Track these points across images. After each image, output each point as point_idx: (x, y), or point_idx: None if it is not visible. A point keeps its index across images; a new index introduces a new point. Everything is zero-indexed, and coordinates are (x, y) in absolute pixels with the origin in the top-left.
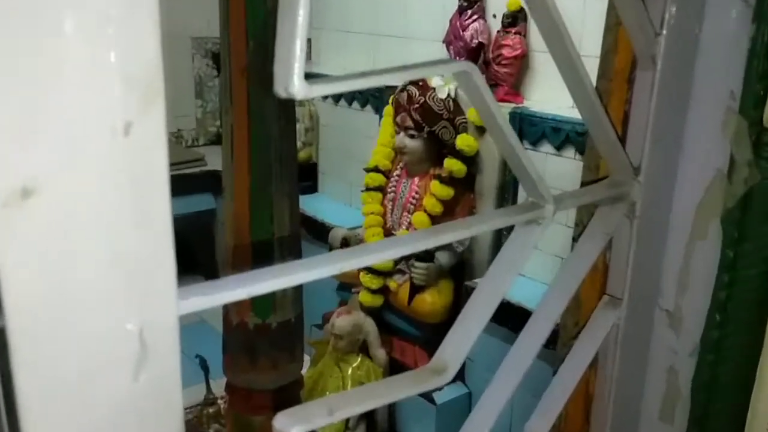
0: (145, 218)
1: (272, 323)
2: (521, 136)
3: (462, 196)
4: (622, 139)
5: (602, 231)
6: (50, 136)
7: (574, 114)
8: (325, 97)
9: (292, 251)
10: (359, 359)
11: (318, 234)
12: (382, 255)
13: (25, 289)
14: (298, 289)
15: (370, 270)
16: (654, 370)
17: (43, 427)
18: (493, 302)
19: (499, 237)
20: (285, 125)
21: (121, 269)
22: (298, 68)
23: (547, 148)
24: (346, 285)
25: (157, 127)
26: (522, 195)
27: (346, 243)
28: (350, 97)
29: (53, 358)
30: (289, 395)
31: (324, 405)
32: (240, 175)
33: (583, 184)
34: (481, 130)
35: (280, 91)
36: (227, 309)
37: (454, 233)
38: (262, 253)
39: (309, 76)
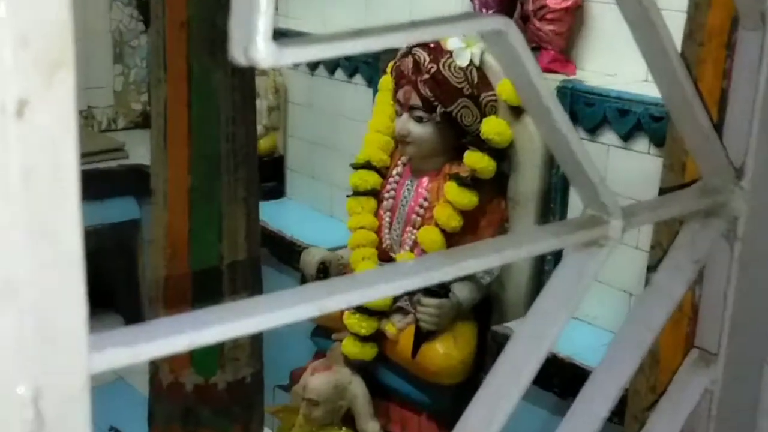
0: (45, 234)
1: (219, 383)
2: (573, 120)
3: (489, 205)
4: (719, 128)
5: (690, 258)
6: None
7: (649, 90)
8: (297, 64)
9: (248, 282)
10: None
11: (285, 257)
12: (376, 290)
13: None
14: (257, 337)
15: (358, 309)
16: None
17: None
18: (535, 357)
19: (542, 264)
20: (241, 102)
21: (8, 308)
22: (263, 24)
23: (609, 137)
24: (323, 329)
25: (64, 106)
26: (575, 205)
27: (324, 270)
28: (333, 65)
29: None
30: None
31: None
32: (176, 173)
33: (663, 190)
34: (516, 112)
35: (237, 55)
36: (156, 364)
37: (478, 260)
38: (206, 285)
39: (278, 35)
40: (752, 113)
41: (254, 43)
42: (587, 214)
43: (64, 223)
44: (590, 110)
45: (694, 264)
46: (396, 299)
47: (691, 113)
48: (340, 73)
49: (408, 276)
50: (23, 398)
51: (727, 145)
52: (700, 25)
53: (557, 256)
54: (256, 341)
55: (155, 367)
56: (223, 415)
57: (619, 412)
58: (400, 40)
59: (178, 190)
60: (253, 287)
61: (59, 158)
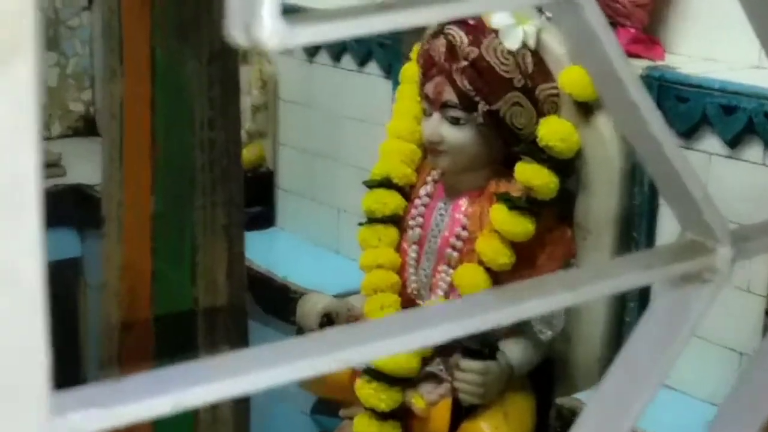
0: (4, 277)
1: None
2: (662, 116)
3: (549, 235)
4: None
5: None
6: None
7: (765, 79)
8: (290, 48)
9: (230, 336)
10: None
11: (276, 306)
12: (400, 342)
13: None
14: (241, 410)
15: (375, 376)
16: None
17: None
18: (626, 423)
19: (623, 313)
20: (221, 100)
21: None
22: None
23: (710, 143)
24: (327, 404)
25: (21, 104)
26: (666, 232)
27: (329, 323)
28: (338, 48)
29: None
30: None
31: None
32: (135, 194)
33: None
34: (585, 110)
35: (237, 34)
36: None
37: (541, 299)
38: (175, 339)
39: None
40: None
41: (259, 19)
42: (686, 239)
43: (21, 256)
44: (684, 107)
45: None
46: (425, 362)
47: None
48: (348, 60)
49: (442, 326)
50: None
51: None
52: None
53: (644, 301)
54: (238, 415)
55: None
56: None
57: None
58: (443, 14)
59: (138, 217)
60: (237, 343)
61: (15, 172)
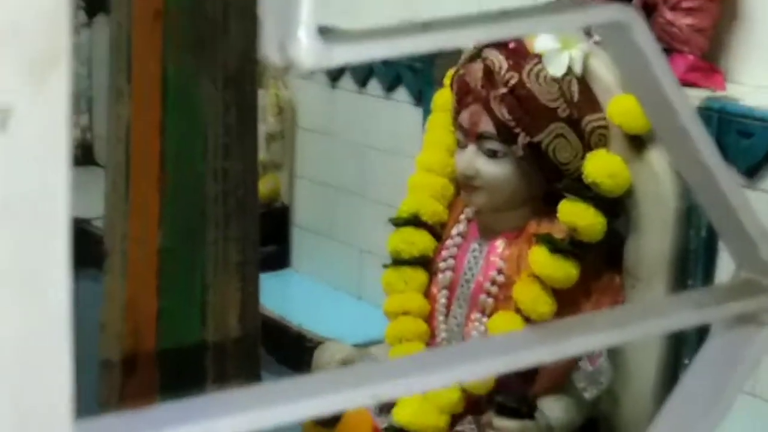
0: (26, 285)
1: None
2: (722, 153)
3: (596, 282)
4: None
5: None
6: None
7: None
8: (311, 73)
9: (243, 382)
10: None
11: (291, 354)
12: (428, 379)
13: None
14: None
15: None
16: None
17: None
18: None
19: (675, 368)
20: (237, 125)
21: None
22: (307, 13)
23: None
24: None
25: (56, 117)
26: (724, 278)
27: None
28: (364, 73)
29: None
30: None
31: None
32: (142, 228)
33: None
34: (637, 144)
35: (271, 54)
36: None
37: (585, 337)
38: (181, 383)
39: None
40: None
41: (295, 38)
42: (742, 278)
43: (49, 271)
44: (747, 143)
45: None
46: (455, 421)
47: None
48: (374, 86)
49: (476, 361)
50: None
51: None
52: None
53: (694, 349)
54: None
55: None
56: None
57: None
58: (483, 35)
59: (144, 252)
60: (250, 373)
61: (47, 184)
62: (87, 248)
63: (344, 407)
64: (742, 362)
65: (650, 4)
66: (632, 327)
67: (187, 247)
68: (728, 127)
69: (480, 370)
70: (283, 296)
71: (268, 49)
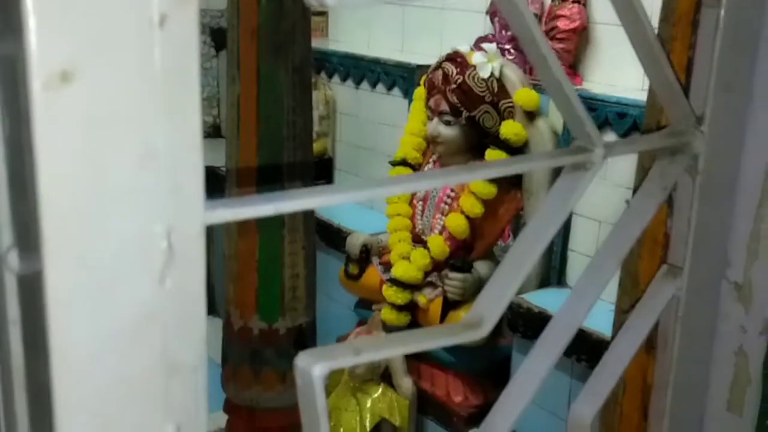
0: (177, 116)
1: (280, 329)
2: None
3: (507, 195)
4: (686, 88)
5: (660, 186)
6: (92, 21)
7: (643, 97)
8: (344, 80)
9: (307, 253)
10: (380, 390)
11: (333, 241)
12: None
13: (59, 179)
14: (311, 292)
15: (395, 282)
16: (720, 351)
17: (70, 330)
18: (534, 253)
19: (550, 250)
20: (300, 96)
21: (151, 167)
22: None
23: (610, 136)
24: (365, 302)
25: (191, 21)
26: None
27: (366, 251)
28: (374, 79)
29: (83, 258)
30: (297, 415)
31: (350, 346)
32: (246, 155)
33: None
34: (530, 116)
35: (309, 2)
36: (228, 312)
37: (493, 169)
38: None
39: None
40: (710, 74)
41: None
42: (576, 145)
43: (189, 111)
44: (594, 114)
45: (663, 191)
46: (426, 275)
47: (662, 74)
48: (380, 87)
49: (434, 179)
50: (159, 234)
51: (691, 99)
52: (672, 10)
53: (564, 240)
54: (310, 295)
55: (228, 314)
56: (284, 357)
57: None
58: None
59: (248, 169)
60: (311, 264)
61: (187, 61)
62: (217, 185)
63: (377, 195)
64: (576, 191)
65: None
66: (516, 165)
67: (272, 170)
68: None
69: (427, 184)
70: (330, 208)
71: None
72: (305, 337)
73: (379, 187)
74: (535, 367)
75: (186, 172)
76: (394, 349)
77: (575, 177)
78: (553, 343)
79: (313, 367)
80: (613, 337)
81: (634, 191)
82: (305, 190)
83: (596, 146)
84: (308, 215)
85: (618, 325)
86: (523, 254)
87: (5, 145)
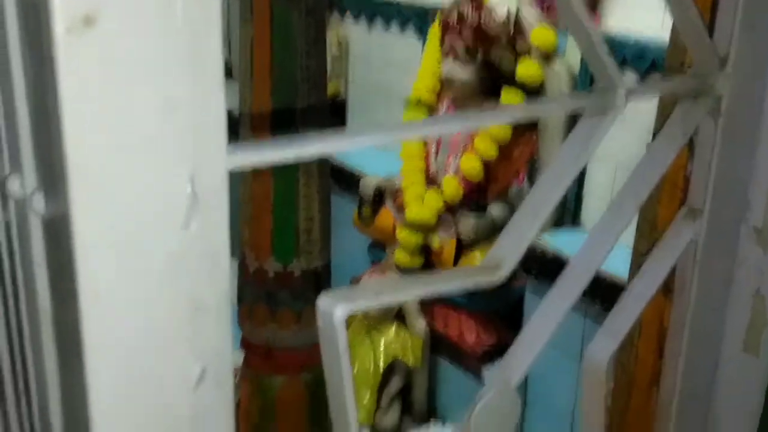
0: (199, 64)
1: (295, 271)
2: None
3: (521, 137)
4: (710, 29)
5: (681, 130)
6: None
7: (663, 35)
8: (357, 17)
9: (322, 197)
10: (394, 329)
11: (346, 184)
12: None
13: (83, 124)
14: (326, 235)
15: (408, 225)
16: (738, 294)
17: (98, 273)
18: (553, 198)
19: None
20: (314, 38)
21: (175, 113)
22: None
23: (629, 77)
24: (379, 244)
25: None
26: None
27: (380, 194)
28: (387, 18)
29: (109, 202)
30: (314, 355)
31: (371, 289)
32: (260, 99)
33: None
34: (546, 57)
35: None
36: (244, 253)
37: (506, 114)
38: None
39: None
40: (735, 14)
41: None
42: (598, 87)
43: (212, 59)
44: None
45: (684, 135)
46: (440, 217)
47: (688, 15)
48: (394, 27)
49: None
50: (183, 179)
51: (715, 40)
52: None
53: (579, 181)
54: (325, 237)
55: (243, 255)
56: (299, 298)
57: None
58: None
59: (262, 111)
60: (324, 200)
61: (210, 9)
62: (231, 127)
63: (394, 139)
64: (596, 135)
65: None
66: (534, 108)
67: (286, 113)
68: None
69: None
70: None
71: None
72: (321, 280)
73: (405, 130)
74: (551, 311)
75: (209, 118)
76: (413, 292)
77: (595, 121)
78: (569, 286)
79: (334, 309)
80: (629, 280)
81: (654, 134)
82: (327, 134)
83: (618, 89)
84: (323, 159)
85: (635, 268)
86: (542, 199)
87: (29, 90)
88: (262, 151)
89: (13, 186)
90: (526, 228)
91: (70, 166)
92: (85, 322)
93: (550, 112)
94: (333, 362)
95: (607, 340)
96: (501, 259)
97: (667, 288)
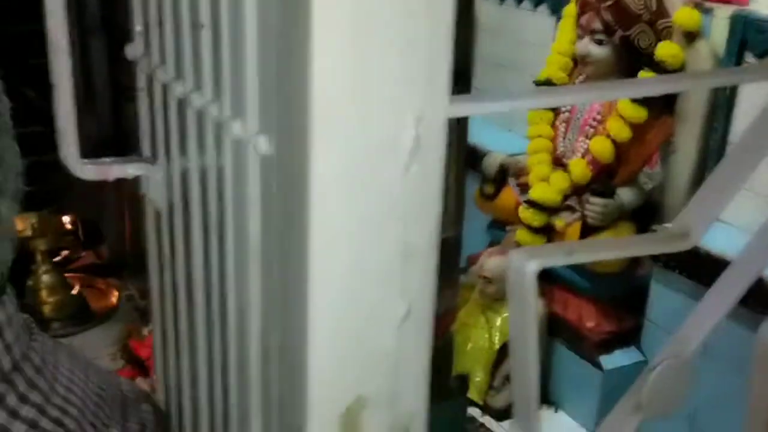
0: (436, 6)
1: None
2: (743, 46)
3: (657, 120)
4: None
5: None
6: None
7: None
8: None
9: None
10: None
11: (468, 161)
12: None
13: (328, 70)
14: (460, 207)
15: (532, 204)
16: None
17: (328, 211)
18: (747, 170)
19: (703, 171)
20: (465, 6)
21: (413, 57)
22: None
23: None
24: (499, 222)
25: None
26: (738, 125)
27: (503, 172)
28: None
29: (346, 147)
30: (441, 325)
31: (563, 246)
32: None
33: None
34: (690, 37)
35: None
36: None
37: (650, 86)
38: None
39: None
40: None
41: None
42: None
43: (444, 5)
44: (761, 36)
45: None
46: (566, 198)
47: None
48: (526, 3)
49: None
50: (410, 122)
51: None
52: None
53: (718, 159)
54: (458, 210)
55: None
56: None
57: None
58: None
59: None
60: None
61: None
62: None
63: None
64: None
65: None
66: (698, 80)
67: None
68: (749, 27)
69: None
70: (472, 130)
71: None
72: (451, 251)
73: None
74: (706, 315)
75: (439, 63)
76: (605, 253)
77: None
78: (728, 290)
79: (527, 264)
80: None
81: None
82: (539, 91)
83: None
84: (462, 130)
85: None
86: (732, 174)
87: (261, 40)
88: (480, 102)
89: (235, 128)
90: (718, 196)
91: (313, 110)
92: (312, 254)
93: (710, 84)
94: (520, 316)
95: None
96: (690, 226)
97: None
